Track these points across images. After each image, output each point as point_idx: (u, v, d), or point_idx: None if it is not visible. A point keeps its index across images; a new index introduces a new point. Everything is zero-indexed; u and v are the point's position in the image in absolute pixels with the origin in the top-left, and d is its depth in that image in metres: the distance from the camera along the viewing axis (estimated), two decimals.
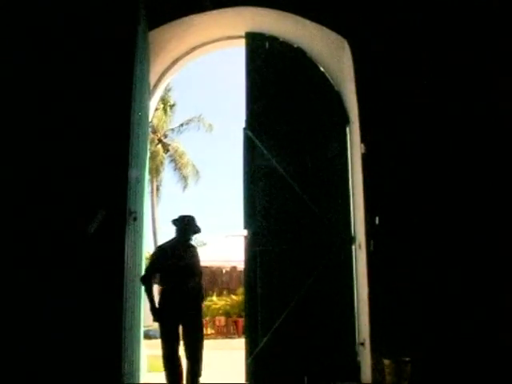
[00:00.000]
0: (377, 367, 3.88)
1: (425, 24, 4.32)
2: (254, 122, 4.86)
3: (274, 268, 4.65)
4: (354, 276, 4.57)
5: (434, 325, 3.88)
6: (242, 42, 5.06)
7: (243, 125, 4.88)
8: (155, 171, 23.53)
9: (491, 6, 4.24)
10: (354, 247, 4.62)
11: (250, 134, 4.82)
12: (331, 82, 4.97)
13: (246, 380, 4.49)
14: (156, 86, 5.19)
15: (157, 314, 4.03)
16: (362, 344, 4.28)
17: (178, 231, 4.28)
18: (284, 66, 5.00)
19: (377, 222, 4.10)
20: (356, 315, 4.48)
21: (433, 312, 3.90)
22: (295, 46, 4.98)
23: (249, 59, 4.99)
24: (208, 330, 15.16)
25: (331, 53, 4.77)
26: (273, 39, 5.00)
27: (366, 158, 4.24)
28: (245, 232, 4.74)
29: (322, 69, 4.99)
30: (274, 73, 4.98)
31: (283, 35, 4.97)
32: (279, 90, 4.95)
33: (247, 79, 4.96)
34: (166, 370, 3.97)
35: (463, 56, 4.24)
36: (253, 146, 4.81)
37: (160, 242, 22.10)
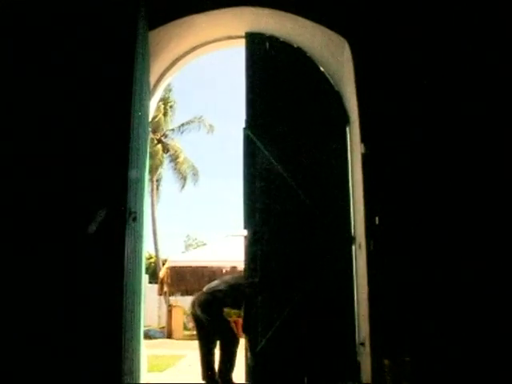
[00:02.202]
0: (377, 367, 3.88)
1: (426, 23, 4.32)
2: (253, 122, 4.86)
3: (273, 268, 4.65)
4: (354, 276, 4.57)
5: (435, 324, 3.88)
6: (242, 42, 5.06)
7: (243, 125, 4.88)
8: (155, 171, 23.56)
9: (494, 6, 4.24)
10: (354, 247, 4.62)
11: (249, 133, 4.82)
12: (331, 82, 4.97)
13: (247, 380, 4.49)
14: (156, 86, 5.18)
15: None
16: (362, 344, 4.28)
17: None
18: (284, 66, 5.01)
19: (377, 222, 4.10)
20: (356, 315, 4.48)
21: (433, 312, 3.90)
22: (295, 46, 4.99)
23: (249, 59, 4.99)
24: None
25: (331, 53, 4.77)
26: (273, 39, 5.01)
27: (366, 158, 4.24)
28: (245, 232, 4.75)
29: (321, 69, 4.99)
30: (274, 73, 4.99)
31: (283, 35, 4.98)
32: (279, 90, 4.95)
33: (247, 79, 4.96)
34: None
35: (465, 55, 4.24)
36: (253, 146, 4.81)
37: (160, 242, 21.82)
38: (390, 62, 4.31)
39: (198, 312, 4.90)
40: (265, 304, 4.60)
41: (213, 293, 4.90)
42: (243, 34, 5.02)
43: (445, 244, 3.99)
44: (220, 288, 4.93)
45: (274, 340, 4.49)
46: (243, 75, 4.97)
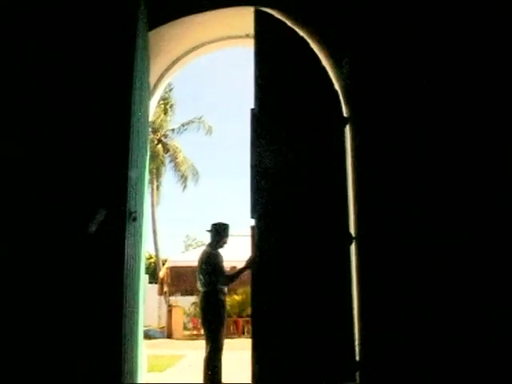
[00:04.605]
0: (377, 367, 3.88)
1: (425, 23, 4.32)
2: (261, 104, 4.63)
3: (275, 266, 4.60)
4: (354, 276, 4.55)
5: (434, 324, 3.88)
6: (242, 42, 5.04)
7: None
8: (155, 171, 23.56)
9: (493, 6, 4.25)
10: (353, 247, 4.60)
11: (257, 114, 4.58)
12: (332, 79, 4.92)
13: (252, 381, 4.45)
14: (156, 86, 5.18)
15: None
16: (362, 344, 4.28)
17: (219, 238, 5.37)
18: (290, 54, 4.85)
19: (376, 221, 4.10)
20: (355, 315, 4.47)
21: (433, 312, 3.90)
22: (300, 34, 4.86)
23: (258, 37, 4.69)
24: None
25: (331, 50, 4.74)
26: (281, 22, 4.82)
27: (365, 158, 4.24)
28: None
29: (323, 63, 4.93)
30: (280, 58, 4.76)
31: (290, 20, 4.81)
32: (284, 78, 4.74)
33: (255, 58, 4.67)
34: (217, 363, 4.91)
35: (464, 55, 4.24)
36: (259, 129, 4.62)
37: (160, 242, 21.86)
38: (390, 61, 4.31)
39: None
40: (267, 303, 4.57)
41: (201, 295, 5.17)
42: (243, 34, 4.96)
43: (446, 243, 3.99)
44: (199, 289, 5.32)
45: (277, 341, 4.45)
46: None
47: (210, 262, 5.27)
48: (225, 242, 5.44)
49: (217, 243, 5.43)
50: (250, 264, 4.51)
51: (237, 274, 5.52)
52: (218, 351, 5.02)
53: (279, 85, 4.74)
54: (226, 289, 5.42)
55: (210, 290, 5.19)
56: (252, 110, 4.64)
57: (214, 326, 5.09)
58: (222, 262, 5.41)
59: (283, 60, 4.77)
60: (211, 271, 5.23)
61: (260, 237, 4.48)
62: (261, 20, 4.72)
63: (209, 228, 5.48)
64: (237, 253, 9.21)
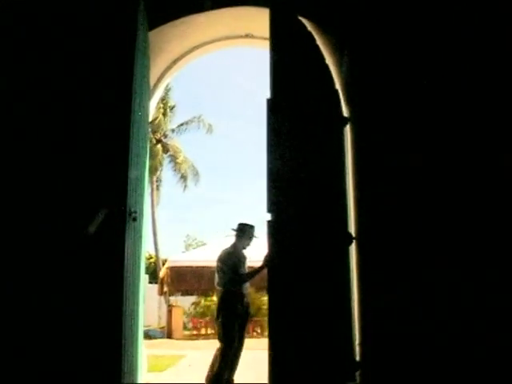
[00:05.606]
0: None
1: (426, 23, 4.32)
2: (276, 95, 4.46)
3: (282, 265, 4.57)
4: (353, 276, 4.55)
5: (434, 324, 3.88)
6: (242, 42, 5.04)
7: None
8: (155, 171, 23.56)
9: (493, 6, 4.25)
10: (352, 247, 4.60)
11: (274, 102, 4.49)
12: (333, 78, 4.92)
13: (269, 381, 4.43)
14: (156, 86, 5.18)
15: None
16: (362, 344, 4.28)
17: (243, 238, 5.32)
18: (298, 47, 4.81)
19: (376, 221, 4.10)
20: (355, 315, 4.47)
21: (433, 312, 3.90)
22: (308, 29, 4.84)
23: (273, 31, 4.50)
24: (208, 330, 15.20)
25: (333, 50, 4.74)
26: (294, 18, 4.73)
27: (364, 158, 4.24)
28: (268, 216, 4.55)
29: (326, 61, 4.92)
30: (292, 51, 4.71)
31: (300, 15, 4.77)
32: (293, 72, 4.72)
33: (271, 47, 4.51)
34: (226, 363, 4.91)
35: (465, 55, 4.25)
36: (275, 119, 4.48)
37: (160, 242, 21.81)
38: (391, 61, 4.31)
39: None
40: (275, 304, 4.55)
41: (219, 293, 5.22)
42: (243, 34, 4.96)
43: (446, 243, 3.99)
44: (216, 286, 5.25)
45: (285, 341, 4.43)
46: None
47: (225, 261, 5.22)
48: (248, 244, 5.37)
49: (240, 243, 5.37)
50: (267, 262, 4.43)
51: (251, 274, 5.37)
52: (224, 352, 4.99)
53: (290, 80, 4.66)
54: (244, 289, 5.28)
55: (224, 289, 5.18)
56: (268, 100, 4.53)
57: (224, 325, 5.08)
58: (239, 262, 5.26)
59: (294, 57, 4.68)
60: (225, 270, 5.19)
61: (272, 235, 4.39)
62: (275, 15, 4.62)
63: (235, 227, 5.43)
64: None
